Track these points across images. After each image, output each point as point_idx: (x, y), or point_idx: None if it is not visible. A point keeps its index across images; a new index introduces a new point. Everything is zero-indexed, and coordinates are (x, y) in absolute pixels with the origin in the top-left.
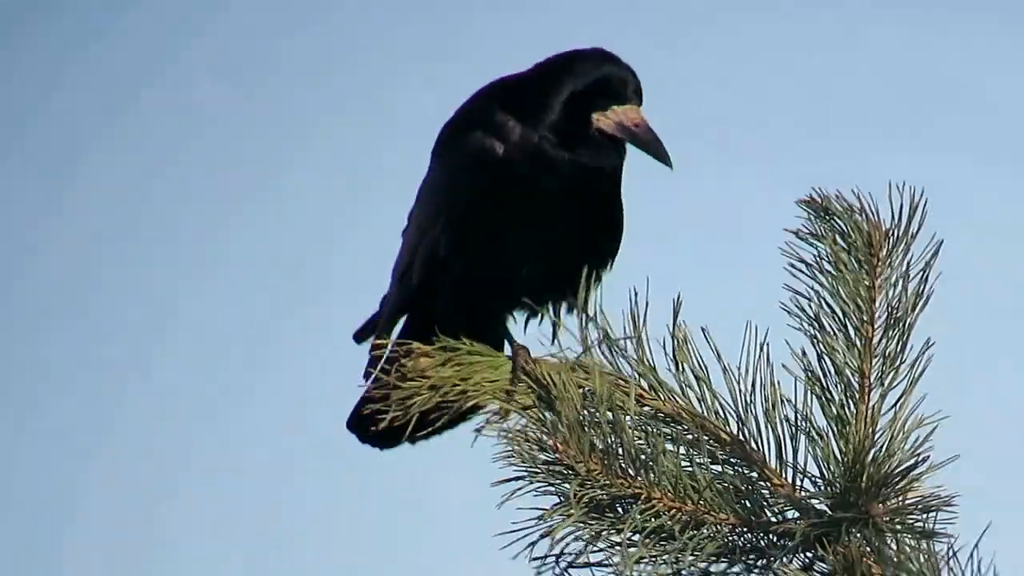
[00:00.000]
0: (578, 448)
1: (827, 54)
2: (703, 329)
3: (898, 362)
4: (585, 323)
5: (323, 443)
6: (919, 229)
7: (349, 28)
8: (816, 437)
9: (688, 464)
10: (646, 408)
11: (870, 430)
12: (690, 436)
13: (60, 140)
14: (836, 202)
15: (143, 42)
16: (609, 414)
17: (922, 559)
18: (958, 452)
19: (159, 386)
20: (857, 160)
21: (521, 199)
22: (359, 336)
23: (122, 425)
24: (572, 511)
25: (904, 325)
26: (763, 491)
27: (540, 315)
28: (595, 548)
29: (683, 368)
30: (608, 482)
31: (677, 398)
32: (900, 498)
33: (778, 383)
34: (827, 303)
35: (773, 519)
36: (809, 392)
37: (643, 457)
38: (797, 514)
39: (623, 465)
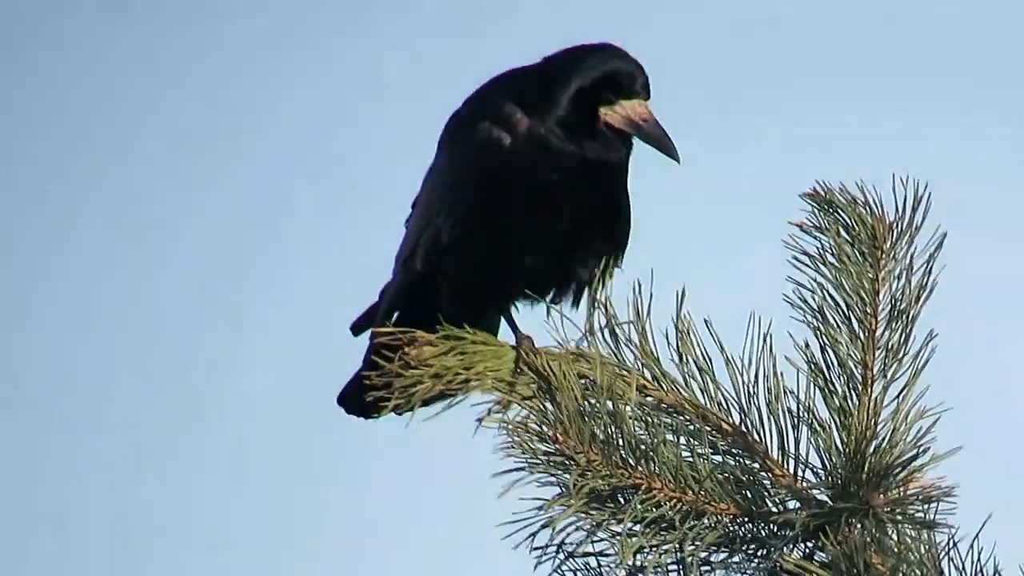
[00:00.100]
0: (578, 438)
1: (833, 46)
2: (706, 321)
3: (901, 354)
4: (592, 309)
5: (323, 443)
6: (923, 221)
7: (349, 29)
8: (818, 428)
9: (689, 454)
10: (649, 398)
11: (872, 421)
12: (692, 427)
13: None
14: (840, 195)
15: (142, 42)
16: (610, 404)
17: (922, 550)
18: (960, 444)
19: (147, 377)
20: (861, 153)
21: (527, 191)
22: (356, 328)
23: (109, 415)
24: (572, 501)
25: (907, 317)
26: (764, 481)
27: (544, 306)
28: (596, 538)
29: (686, 359)
30: (608, 472)
31: (680, 389)
32: (901, 489)
33: (781, 375)
34: (831, 295)
35: (774, 509)
36: (812, 384)
37: (643, 447)
38: (798, 504)
39: (623, 455)
